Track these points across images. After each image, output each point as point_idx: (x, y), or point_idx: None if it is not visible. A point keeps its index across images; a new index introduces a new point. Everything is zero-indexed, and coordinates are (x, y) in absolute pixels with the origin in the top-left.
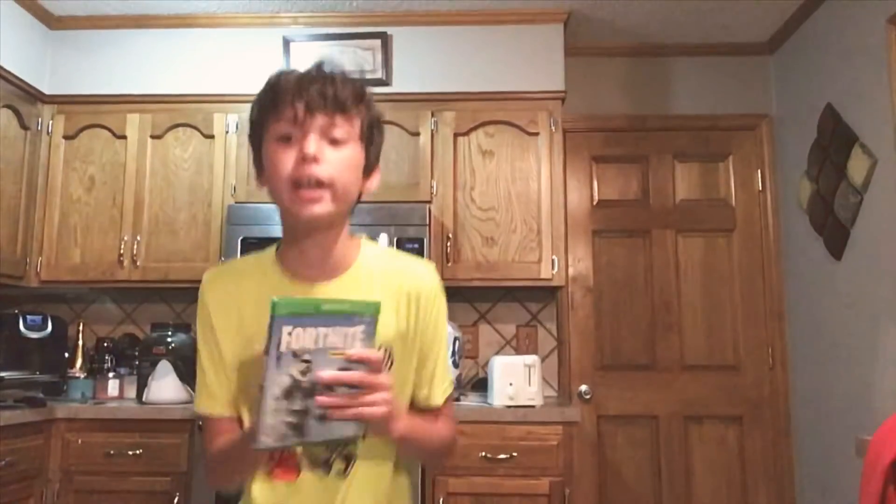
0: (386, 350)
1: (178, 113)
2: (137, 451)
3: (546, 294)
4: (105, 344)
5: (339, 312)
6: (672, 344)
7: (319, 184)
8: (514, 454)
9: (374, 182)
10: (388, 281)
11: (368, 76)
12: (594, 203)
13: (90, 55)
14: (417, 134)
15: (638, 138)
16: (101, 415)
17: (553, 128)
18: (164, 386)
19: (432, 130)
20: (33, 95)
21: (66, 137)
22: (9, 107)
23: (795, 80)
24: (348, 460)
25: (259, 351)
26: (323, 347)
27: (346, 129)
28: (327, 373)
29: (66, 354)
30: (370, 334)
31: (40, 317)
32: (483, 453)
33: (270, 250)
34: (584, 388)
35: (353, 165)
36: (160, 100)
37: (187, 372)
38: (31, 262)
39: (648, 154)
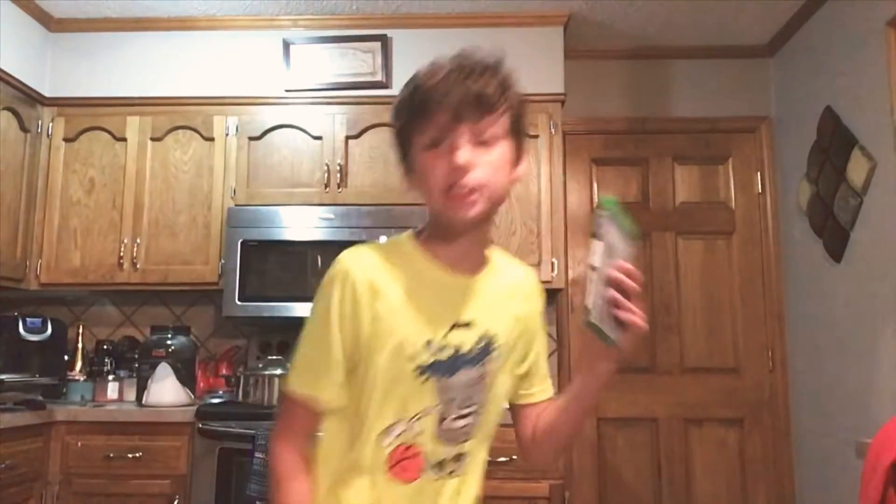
0: (508, 347)
1: (178, 115)
2: (137, 454)
3: (546, 296)
4: (105, 346)
5: (629, 231)
6: (672, 346)
7: (471, 190)
8: (514, 457)
9: (523, 168)
10: (514, 273)
11: (368, 79)
12: (594, 205)
13: (90, 58)
14: None
15: (638, 141)
16: (100, 417)
17: (553, 130)
18: (164, 388)
19: None
20: (33, 98)
21: (65, 140)
22: (9, 109)
23: (795, 82)
24: (460, 461)
25: (406, 351)
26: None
27: (494, 129)
28: (623, 267)
29: (66, 357)
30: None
31: (40, 319)
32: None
33: (406, 240)
34: None
35: (504, 164)
36: (160, 102)
37: (187, 374)
38: (31, 264)
39: (648, 156)
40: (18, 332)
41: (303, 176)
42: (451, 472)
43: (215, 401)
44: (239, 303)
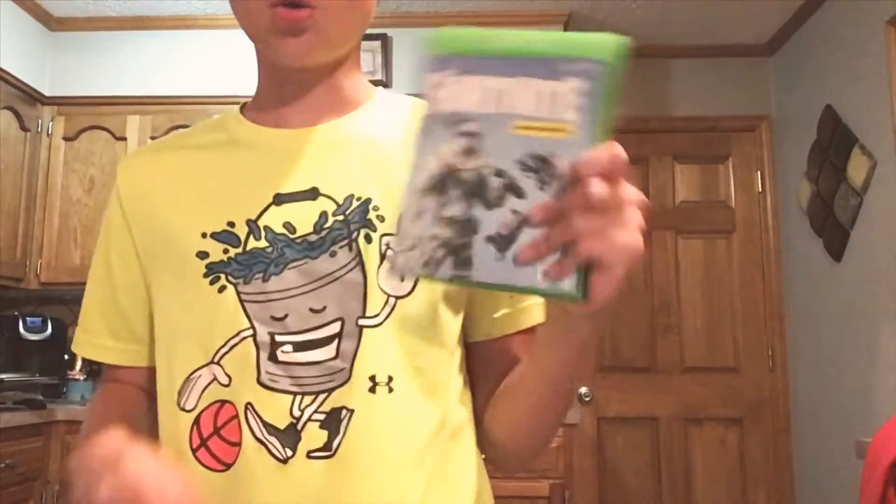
0: None
1: (178, 114)
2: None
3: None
4: None
5: (533, 54)
6: (672, 346)
7: (298, 4)
8: None
9: None
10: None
11: (368, 78)
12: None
13: (90, 57)
14: None
15: (638, 140)
16: None
17: None
18: None
19: None
20: (33, 97)
21: (66, 139)
22: (9, 108)
23: (795, 81)
24: (335, 427)
25: (184, 251)
26: (501, 113)
27: None
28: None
29: (66, 356)
30: (599, 99)
31: (40, 319)
32: (482, 455)
33: (226, 112)
34: (584, 389)
35: None
36: (160, 101)
37: None
38: (31, 263)
39: (648, 155)
40: (18, 332)
41: None
42: (321, 449)
43: None
44: None
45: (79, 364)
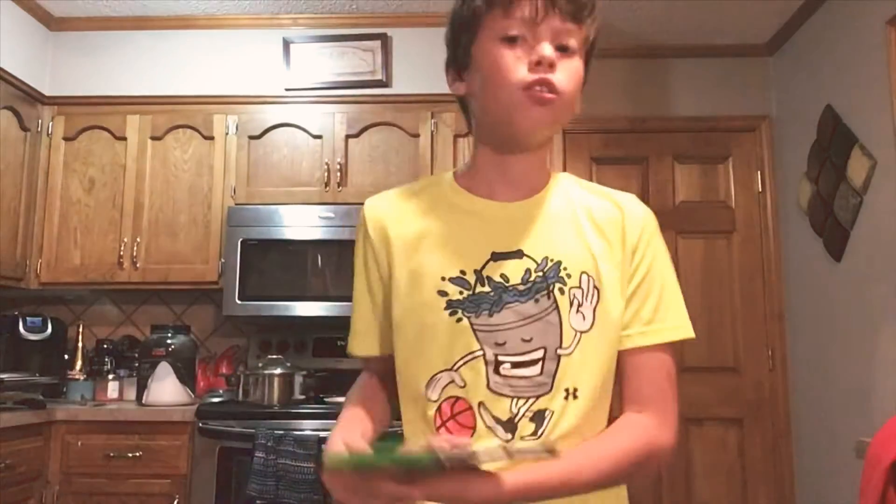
0: (588, 278)
1: (178, 114)
2: (137, 454)
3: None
4: (105, 346)
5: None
6: (672, 345)
7: (553, 90)
8: None
9: (580, 103)
10: (590, 199)
11: (368, 77)
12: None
13: (90, 56)
14: (417, 135)
15: (638, 139)
16: (100, 417)
17: None
18: (164, 388)
19: (432, 132)
20: (33, 97)
21: (65, 139)
22: (9, 108)
23: (795, 81)
24: (540, 421)
25: (429, 289)
26: None
27: (578, 38)
28: None
29: (66, 356)
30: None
31: (40, 318)
32: None
33: (443, 175)
34: None
35: (579, 78)
36: (160, 101)
37: (187, 374)
38: (31, 263)
39: (648, 155)
40: (18, 332)
41: (303, 175)
42: (528, 435)
43: (215, 400)
44: (239, 302)
45: (79, 364)
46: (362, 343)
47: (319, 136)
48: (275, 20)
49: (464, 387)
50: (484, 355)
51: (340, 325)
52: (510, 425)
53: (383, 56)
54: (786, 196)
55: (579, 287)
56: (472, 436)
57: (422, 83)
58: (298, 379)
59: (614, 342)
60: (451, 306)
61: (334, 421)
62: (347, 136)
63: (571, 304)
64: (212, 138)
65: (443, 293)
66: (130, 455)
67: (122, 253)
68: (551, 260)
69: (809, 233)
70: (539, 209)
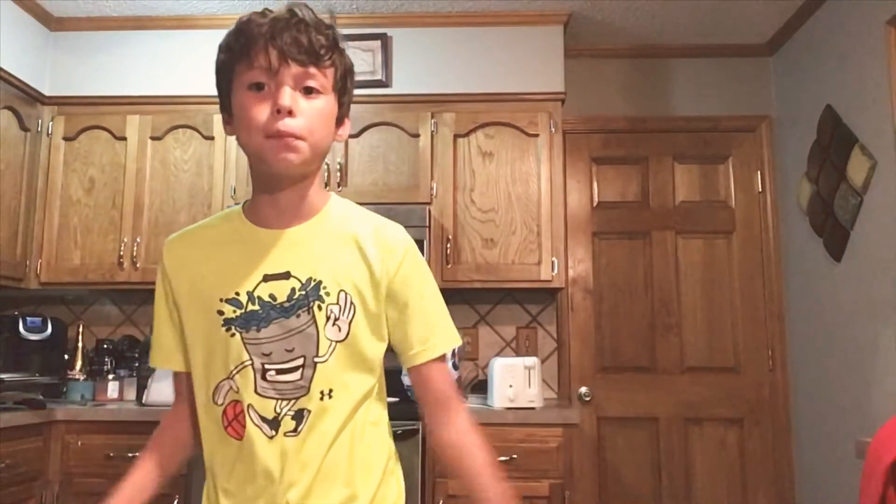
0: (346, 295)
1: (178, 114)
2: (137, 454)
3: (546, 296)
4: (105, 346)
5: None
6: (672, 345)
7: (293, 135)
8: (514, 456)
9: (345, 131)
10: (355, 226)
11: (368, 77)
12: (594, 205)
13: (90, 57)
14: (417, 135)
15: (638, 140)
16: (100, 417)
17: (553, 129)
18: (164, 388)
19: (432, 132)
20: (33, 97)
21: (65, 139)
22: (9, 108)
23: (795, 81)
24: (300, 419)
25: (209, 309)
26: None
27: (321, 79)
28: None
29: (66, 356)
30: None
31: (40, 319)
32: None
33: (238, 206)
34: (584, 389)
35: (327, 116)
36: (160, 101)
37: None
38: (31, 263)
39: (648, 155)
40: (18, 332)
41: None
42: (290, 431)
43: None
44: None
45: (79, 364)
46: (167, 357)
47: None
48: None
49: (238, 392)
50: (252, 364)
51: None
52: (274, 423)
53: (383, 56)
54: (786, 196)
55: (337, 303)
56: (241, 435)
57: (422, 83)
58: None
59: (372, 348)
60: (227, 324)
61: None
62: (347, 136)
63: (328, 318)
64: (212, 138)
65: (220, 312)
66: (130, 455)
67: (122, 253)
68: (314, 280)
69: (809, 233)
70: (307, 234)
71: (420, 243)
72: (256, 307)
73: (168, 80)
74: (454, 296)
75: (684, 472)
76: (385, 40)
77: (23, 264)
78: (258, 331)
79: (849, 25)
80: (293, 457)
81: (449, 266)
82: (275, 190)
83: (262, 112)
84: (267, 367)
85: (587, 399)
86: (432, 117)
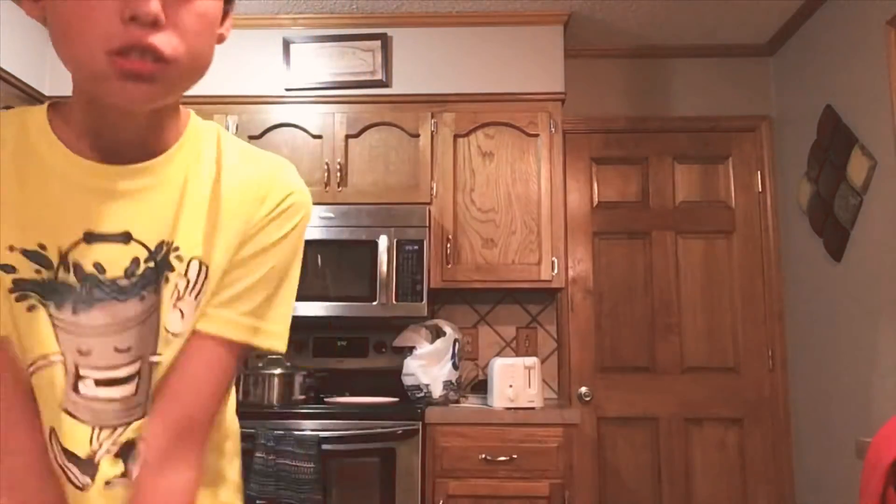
0: (201, 265)
1: None
2: None
3: (546, 296)
4: None
5: None
6: (672, 346)
7: (158, 59)
8: (514, 456)
9: (228, 27)
10: (231, 165)
11: (368, 77)
12: (594, 205)
13: None
14: (417, 135)
15: (638, 140)
16: None
17: (553, 129)
18: None
19: (432, 132)
20: (33, 97)
21: None
22: (9, 108)
23: (795, 81)
24: (127, 456)
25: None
26: None
27: None
28: None
29: None
30: None
31: None
32: (483, 455)
33: (37, 113)
34: (583, 389)
35: (212, 23)
36: None
37: None
38: None
39: (648, 155)
40: None
41: (302, 175)
42: (116, 478)
43: None
44: None
45: None
46: None
47: (319, 136)
48: (275, 20)
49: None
50: (65, 362)
51: (341, 326)
52: (89, 466)
53: (383, 56)
54: (786, 196)
55: (185, 276)
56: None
57: (422, 83)
58: (298, 379)
59: None
60: (21, 287)
61: (335, 420)
62: (347, 136)
63: (173, 294)
64: None
65: (7, 268)
66: None
67: None
68: (167, 244)
69: (809, 233)
70: (160, 178)
71: (420, 243)
72: (72, 279)
73: None
74: (454, 296)
75: (684, 472)
76: (385, 40)
77: None
78: (74, 313)
79: (849, 25)
80: None
81: (449, 266)
82: (111, 117)
83: (102, 14)
84: (82, 372)
85: (587, 399)
86: (432, 117)
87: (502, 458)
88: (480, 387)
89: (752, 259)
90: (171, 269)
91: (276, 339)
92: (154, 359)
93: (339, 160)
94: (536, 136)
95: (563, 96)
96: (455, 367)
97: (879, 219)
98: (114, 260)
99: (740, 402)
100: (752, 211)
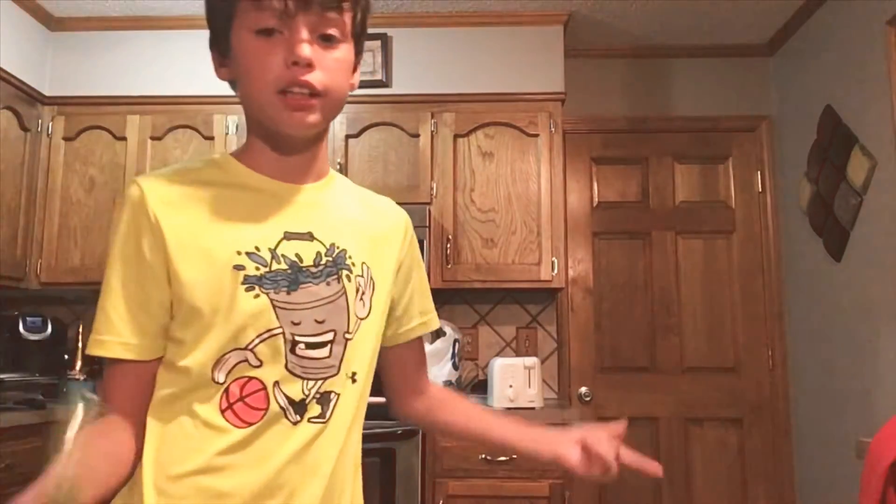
0: (367, 269)
1: (178, 114)
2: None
3: (546, 296)
4: None
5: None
6: (672, 346)
7: (313, 93)
8: (514, 456)
9: (357, 78)
10: (366, 195)
11: (368, 78)
12: (594, 205)
13: (90, 57)
14: (417, 135)
15: (638, 140)
16: None
17: (553, 129)
18: None
19: (432, 132)
20: (33, 97)
21: (65, 139)
22: (9, 108)
23: (795, 81)
24: (326, 403)
25: (223, 263)
26: None
27: (340, 26)
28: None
29: (66, 356)
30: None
31: (40, 318)
32: (483, 455)
33: (221, 157)
34: (583, 389)
35: (347, 67)
36: (160, 101)
37: None
38: (31, 263)
39: (648, 155)
40: (19, 332)
41: None
42: (315, 417)
43: None
44: None
45: (79, 364)
46: (122, 337)
47: None
48: None
49: (259, 366)
50: (283, 333)
51: None
52: (301, 407)
53: (383, 56)
54: (786, 196)
55: (361, 276)
56: (262, 417)
57: (422, 83)
58: None
59: (380, 332)
60: (249, 282)
61: None
62: (347, 136)
63: (357, 290)
64: (212, 138)
65: (239, 267)
66: None
67: None
68: (338, 247)
69: (809, 233)
70: (324, 195)
71: (420, 243)
72: (283, 266)
73: (168, 80)
74: (454, 296)
75: (684, 471)
76: (385, 40)
77: (23, 264)
78: (289, 294)
79: (849, 25)
80: (318, 446)
81: (449, 266)
82: (283, 147)
83: (273, 61)
84: (297, 339)
85: (587, 399)
86: (432, 117)
87: (502, 458)
88: (480, 387)
89: (752, 259)
90: (350, 269)
91: (436, 318)
92: (348, 336)
93: (339, 160)
94: (536, 136)
95: (563, 96)
96: (455, 367)
97: (879, 219)
98: (305, 253)
99: (740, 402)
100: (752, 211)
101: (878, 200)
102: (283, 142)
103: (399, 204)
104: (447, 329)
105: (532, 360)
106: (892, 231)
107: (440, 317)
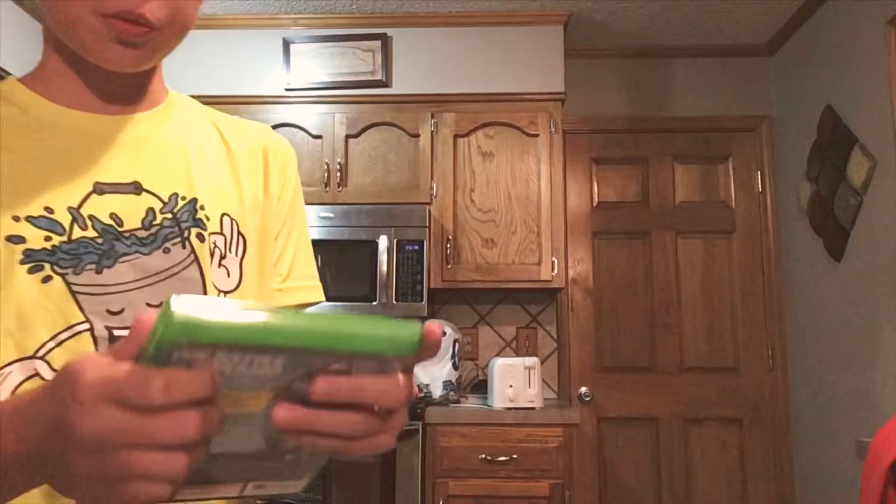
0: (231, 221)
1: None
2: None
3: (546, 296)
4: None
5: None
6: (672, 346)
7: (150, 28)
8: (515, 456)
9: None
10: (223, 122)
11: (368, 78)
12: (594, 205)
13: None
14: (417, 135)
15: (638, 140)
16: None
17: (553, 129)
18: None
19: (432, 132)
20: None
21: None
22: None
23: (795, 81)
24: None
25: (7, 233)
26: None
27: None
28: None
29: None
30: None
31: None
32: (483, 455)
33: (4, 82)
34: (583, 389)
35: None
36: None
37: None
38: None
39: (648, 156)
40: None
41: (303, 175)
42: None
43: None
44: None
45: None
46: None
47: (319, 137)
48: (275, 20)
49: None
50: (92, 330)
51: None
52: None
53: (383, 56)
54: (786, 196)
55: (220, 233)
56: None
57: (422, 83)
58: None
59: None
60: (33, 258)
61: None
62: (347, 136)
63: (213, 255)
64: None
65: (16, 239)
66: None
67: None
68: (182, 197)
69: (809, 233)
70: (161, 128)
71: (420, 243)
72: (91, 233)
73: (168, 81)
74: (454, 296)
75: (684, 472)
76: (385, 40)
77: None
78: (98, 273)
79: (849, 25)
80: None
81: (449, 266)
82: (94, 76)
83: None
84: (116, 333)
85: (587, 399)
86: (432, 117)
87: (502, 458)
88: (480, 387)
89: (752, 259)
90: (202, 226)
91: (319, 292)
92: None
93: (339, 160)
94: (536, 136)
95: (563, 96)
96: (455, 367)
97: (879, 219)
98: (127, 211)
99: (740, 402)
100: (752, 211)
101: (878, 200)
102: (94, 71)
103: (399, 204)
104: (447, 329)
105: (532, 360)
106: (892, 231)
107: (440, 316)
